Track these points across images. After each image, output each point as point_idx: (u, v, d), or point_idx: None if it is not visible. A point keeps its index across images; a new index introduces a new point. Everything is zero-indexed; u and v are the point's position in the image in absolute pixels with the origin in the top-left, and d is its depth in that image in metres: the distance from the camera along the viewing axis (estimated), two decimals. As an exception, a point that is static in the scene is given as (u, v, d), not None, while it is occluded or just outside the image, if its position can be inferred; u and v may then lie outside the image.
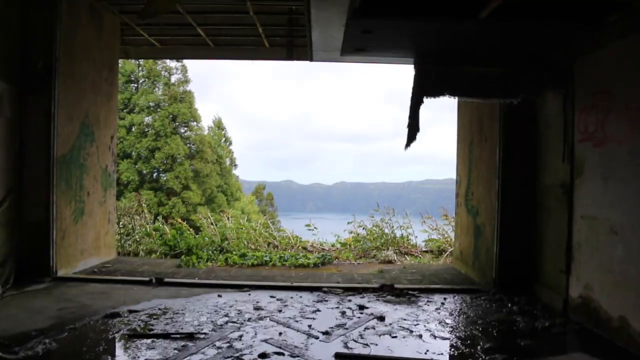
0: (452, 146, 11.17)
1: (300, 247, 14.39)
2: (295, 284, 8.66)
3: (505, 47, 7.37)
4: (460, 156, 10.69)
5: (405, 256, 13.38)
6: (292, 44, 11.84)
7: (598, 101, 6.71)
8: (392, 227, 14.88)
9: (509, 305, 7.67)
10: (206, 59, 13.25)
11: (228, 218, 15.50)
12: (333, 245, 14.90)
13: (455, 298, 8.10)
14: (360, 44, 7.12)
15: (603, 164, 6.59)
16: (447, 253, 13.43)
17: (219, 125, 40.70)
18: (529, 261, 8.33)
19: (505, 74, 7.63)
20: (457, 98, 7.86)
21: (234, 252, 12.50)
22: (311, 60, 8.31)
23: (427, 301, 7.87)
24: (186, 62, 35.72)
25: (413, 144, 7.46)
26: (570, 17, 6.47)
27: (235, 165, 41.13)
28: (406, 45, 7.27)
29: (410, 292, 8.29)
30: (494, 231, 8.59)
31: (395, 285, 8.55)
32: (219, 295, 7.99)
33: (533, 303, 7.72)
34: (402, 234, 14.75)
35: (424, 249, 14.37)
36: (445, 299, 8.04)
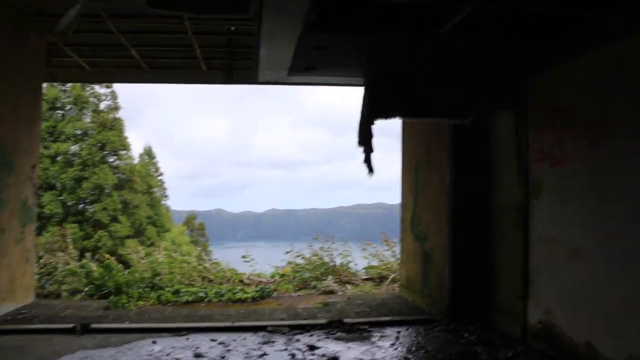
0: (382, 170, 10.69)
1: (236, 280, 13.53)
2: (237, 324, 7.83)
3: (460, 65, 6.97)
4: (406, 180, 10.23)
5: (346, 285, 12.75)
6: (231, 66, 11.13)
7: (555, 120, 6.36)
8: (332, 255, 14.28)
9: (466, 335, 7.16)
10: (140, 82, 12.35)
11: (160, 251, 14.46)
12: (271, 277, 14.14)
13: (409, 330, 7.52)
14: (311, 62, 6.54)
15: (562, 183, 6.21)
16: (389, 280, 12.92)
17: (149, 153, 39.16)
18: (483, 287, 7.87)
19: (458, 94, 7.23)
20: (407, 119, 7.38)
21: (166, 289, 11.52)
22: (256, 81, 7.64)
23: (381, 336, 7.25)
24: (116, 87, 34.22)
25: (374, 170, 6.92)
26: (528, 35, 6.11)
27: (166, 196, 39.67)
28: (359, 63, 6.76)
29: (360, 326, 7.64)
30: (445, 257, 8.11)
31: (344, 320, 7.89)
32: (154, 342, 7.08)
33: (490, 331, 7.24)
34: (341, 262, 14.17)
35: (364, 277, 13.80)
36: (399, 332, 7.43)
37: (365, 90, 7.02)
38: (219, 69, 11.27)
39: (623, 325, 5.25)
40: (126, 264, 14.04)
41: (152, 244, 23.24)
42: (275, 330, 7.52)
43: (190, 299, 10.65)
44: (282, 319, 8.23)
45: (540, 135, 6.67)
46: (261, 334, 7.42)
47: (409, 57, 6.68)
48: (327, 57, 6.35)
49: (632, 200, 5.17)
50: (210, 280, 13.30)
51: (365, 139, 6.93)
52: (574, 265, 5.96)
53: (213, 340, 7.14)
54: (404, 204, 10.37)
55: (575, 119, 6.01)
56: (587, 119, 5.81)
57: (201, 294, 10.96)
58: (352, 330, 7.49)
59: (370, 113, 6.95)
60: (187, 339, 7.28)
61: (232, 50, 10.48)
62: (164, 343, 7.05)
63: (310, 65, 6.65)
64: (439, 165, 8.42)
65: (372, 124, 6.97)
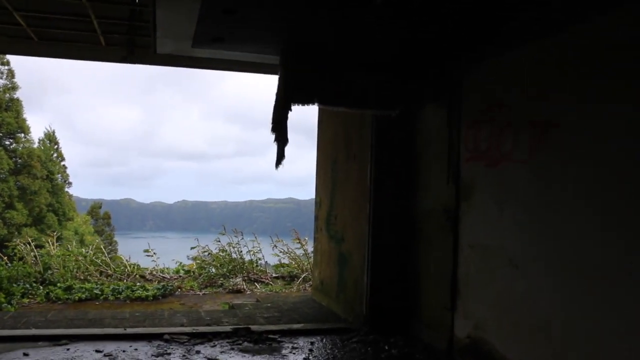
0: (293, 166, 9.80)
1: (137, 275, 12.18)
2: (129, 331, 6.61)
3: (390, 50, 6.10)
4: (321, 176, 9.32)
5: (255, 283, 11.75)
6: (133, 43, 9.75)
7: (492, 116, 5.61)
8: (240, 251, 13.21)
9: (386, 347, 6.33)
10: (28, 54, 10.62)
11: (53, 243, 12.80)
12: (176, 272, 12.90)
13: (324, 341, 6.59)
14: (218, 31, 5.40)
15: (499, 186, 5.47)
16: (300, 279, 12.02)
17: (50, 138, 36.23)
18: (406, 295, 7.07)
19: (385, 81, 6.38)
20: (328, 106, 6.45)
21: (58, 285, 10.10)
22: (155, 51, 6.45)
23: (292, 347, 6.28)
24: (15, 67, 31.24)
25: (284, 162, 5.94)
26: (464, 25, 5.32)
27: (69, 183, 36.92)
28: (274, 37, 5.72)
29: (270, 335, 6.64)
30: (364, 260, 7.25)
31: (252, 328, 6.87)
32: (25, 354, 5.77)
33: (413, 344, 6.45)
34: (251, 259, 13.13)
35: (274, 275, 12.83)
36: (312, 343, 6.49)
37: (282, 70, 6.03)
38: (120, 45, 9.90)
39: (564, 345, 4.56)
40: (16, 258, 12.36)
41: (54, 233, 21.18)
42: (172, 339, 6.39)
43: (83, 296, 9.41)
44: (182, 325, 7.11)
45: (474, 133, 5.92)
46: (156, 343, 6.27)
47: (333, 33, 5.71)
48: (238, 26, 5.26)
49: (577, 207, 4.47)
50: (108, 276, 11.91)
51: (279, 125, 5.96)
52: (510, 276, 5.23)
53: (98, 351, 5.96)
54: (318, 201, 9.45)
55: (515, 116, 5.27)
56: (529, 117, 5.08)
57: (96, 291, 9.74)
58: (261, 340, 6.47)
59: (287, 97, 5.98)
60: (67, 349, 6.05)
61: (135, 24, 9.14)
62: (38, 355, 5.80)
63: (217, 36, 5.52)
64: (360, 160, 7.56)
65: (289, 109, 6.00)
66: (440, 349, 6.18)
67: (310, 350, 6.21)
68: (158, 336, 6.43)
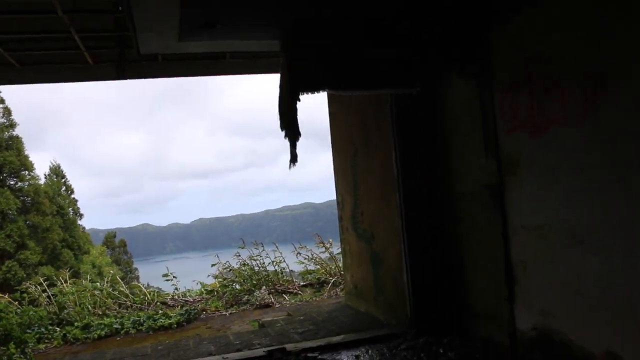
0: (305, 170, 9.11)
1: (158, 302, 11.54)
2: (151, 370, 5.98)
3: (401, 18, 5.41)
4: (340, 173, 8.62)
5: (284, 295, 11.08)
6: (124, 57, 9.14)
7: (532, 76, 4.90)
8: (263, 263, 12.54)
9: (441, 350, 5.65)
10: (13, 83, 10.06)
11: (66, 280, 12.18)
12: (198, 294, 12.26)
13: (370, 353, 5.90)
14: (208, 13, 4.70)
15: (549, 155, 4.76)
16: (330, 285, 11.34)
17: (56, 172, 35.76)
18: (453, 289, 6.37)
19: (402, 56, 5.68)
20: (340, 92, 5.76)
21: (75, 324, 9.48)
22: (138, 52, 5.74)
23: (336, 365, 5.62)
24: (9, 103, 30.69)
25: (297, 160, 5.25)
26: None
27: (81, 215, 36.42)
28: (272, 16, 5.03)
29: (309, 354, 5.97)
30: (401, 257, 6.55)
31: (287, 348, 6.20)
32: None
33: (470, 343, 5.76)
34: (275, 270, 12.46)
35: (302, 283, 12.15)
36: (357, 357, 5.81)
37: (285, 56, 5.34)
38: (110, 61, 9.26)
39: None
40: (31, 301, 11.75)
41: (70, 269, 20.59)
42: (201, 373, 5.75)
43: (103, 333, 8.76)
44: (210, 354, 6.46)
45: (511, 99, 5.21)
46: (183, 380, 5.62)
47: (336, 6, 5.03)
48: (229, 4, 4.57)
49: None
50: (128, 307, 11.28)
51: (288, 120, 5.27)
52: (578, 255, 4.53)
53: (119, 399, 5.32)
54: (340, 200, 8.76)
55: (561, 73, 4.58)
56: (579, 71, 4.38)
57: (116, 326, 9.08)
58: (299, 361, 5.81)
59: (293, 85, 5.29)
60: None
61: (122, 35, 8.52)
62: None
63: (207, 21, 4.82)
64: (382, 149, 6.87)
65: (297, 99, 5.31)
66: (502, 345, 5.48)
67: (357, 365, 5.53)
68: (185, 371, 5.77)
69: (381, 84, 5.70)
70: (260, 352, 6.18)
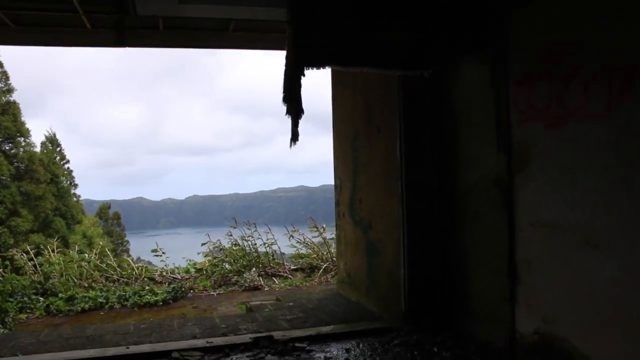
0: (302, 153, 8.77)
1: (146, 278, 11.24)
2: (131, 350, 5.62)
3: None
4: (340, 156, 8.27)
5: (273, 278, 10.81)
6: (122, 23, 8.73)
7: (552, 65, 4.55)
8: (255, 244, 12.24)
9: (435, 349, 5.34)
10: (7, 44, 9.67)
11: (53, 250, 11.83)
12: (187, 272, 11.96)
13: (361, 347, 5.59)
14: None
15: (567, 150, 4.42)
16: (321, 270, 11.06)
17: (52, 140, 35.19)
18: (451, 286, 6.05)
19: (415, 35, 5.32)
20: (348, 68, 5.40)
21: (60, 295, 9.18)
22: (135, 13, 5.35)
23: (325, 358, 5.29)
24: (10, 71, 30.09)
25: (298, 138, 4.90)
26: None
27: (75, 185, 35.97)
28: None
29: (297, 344, 5.65)
30: (399, 249, 6.23)
31: (275, 336, 5.88)
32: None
33: (465, 343, 5.45)
34: (266, 251, 12.16)
35: (292, 267, 11.86)
36: (347, 350, 5.49)
37: (291, 27, 4.97)
38: (108, 28, 8.85)
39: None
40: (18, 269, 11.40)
41: (60, 238, 20.22)
42: (183, 357, 5.41)
43: (87, 306, 8.53)
44: (195, 336, 6.14)
45: (527, 89, 4.85)
46: (163, 364, 5.31)
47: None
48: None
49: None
50: (115, 281, 10.98)
51: (292, 94, 4.91)
52: (590, 260, 4.21)
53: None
54: (339, 184, 8.42)
55: (586, 62, 4.23)
56: (606, 60, 4.04)
57: (101, 300, 8.85)
58: (286, 350, 5.48)
59: (298, 60, 4.92)
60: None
61: (123, 1, 8.11)
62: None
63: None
64: (386, 133, 6.52)
65: (301, 74, 4.95)
66: (499, 348, 5.18)
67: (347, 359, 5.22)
68: (165, 354, 5.45)
69: (392, 63, 5.34)
70: (246, 338, 5.86)
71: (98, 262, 11.53)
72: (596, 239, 4.14)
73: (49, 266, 10.70)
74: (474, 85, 5.67)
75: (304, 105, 4.95)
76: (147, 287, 9.91)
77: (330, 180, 8.93)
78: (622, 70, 3.89)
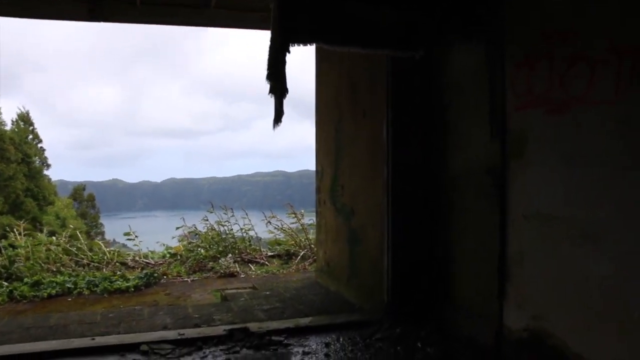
0: (280, 137, 8.41)
1: (118, 263, 10.79)
2: (97, 342, 5.22)
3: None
4: (322, 140, 7.91)
5: (249, 265, 10.46)
6: (98, -7, 8.23)
7: (554, 46, 4.24)
8: (231, 229, 11.86)
9: (419, 345, 5.06)
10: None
11: (20, 232, 11.30)
12: (161, 257, 11.55)
13: (342, 341, 5.27)
14: None
15: (567, 137, 4.13)
16: (299, 258, 10.72)
17: (24, 119, 34.13)
18: (437, 278, 5.76)
19: (407, 14, 4.97)
20: (335, 47, 5.03)
21: (25, 280, 8.71)
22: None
23: (304, 353, 4.96)
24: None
25: (282, 118, 4.53)
26: None
27: (48, 165, 35.05)
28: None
29: (274, 337, 5.31)
30: (384, 238, 5.92)
31: (251, 328, 5.54)
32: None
33: (451, 338, 5.18)
34: (242, 237, 11.79)
35: (269, 254, 11.52)
36: (327, 345, 5.17)
37: (276, 1, 4.59)
38: (82, 0, 8.35)
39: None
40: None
41: (28, 220, 19.58)
42: (152, 350, 5.03)
43: (53, 292, 8.06)
44: (165, 327, 5.78)
45: (526, 72, 4.54)
46: (131, 358, 4.93)
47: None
48: None
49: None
50: (85, 265, 10.51)
51: (275, 72, 4.55)
52: (586, 255, 3.94)
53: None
54: (320, 170, 8.07)
55: (592, 43, 3.93)
56: (615, 41, 3.74)
57: (69, 285, 8.40)
58: (263, 344, 5.14)
59: (283, 36, 4.56)
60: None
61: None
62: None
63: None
64: (373, 117, 6.18)
65: (286, 51, 4.59)
66: (486, 344, 4.91)
67: (327, 355, 4.90)
68: (133, 347, 5.06)
69: (381, 42, 4.99)
70: (220, 330, 5.51)
71: (68, 245, 11.04)
72: (595, 233, 3.87)
73: (14, 249, 10.20)
74: (467, 67, 5.35)
75: (288, 85, 4.60)
76: (118, 273, 9.48)
77: (309, 166, 8.64)
78: (633, 53, 3.59)
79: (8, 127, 30.91)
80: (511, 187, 4.71)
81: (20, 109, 34.79)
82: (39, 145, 34.59)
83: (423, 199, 5.83)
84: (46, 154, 35.60)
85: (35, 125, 34.71)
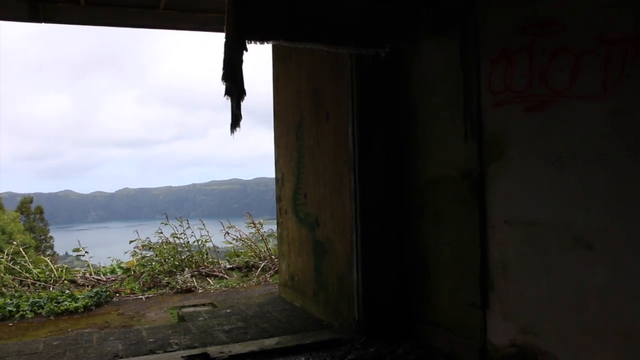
0: (235, 145, 7.94)
1: (66, 280, 10.08)
2: (35, 378, 4.65)
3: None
4: (281, 145, 7.44)
5: (208, 279, 9.91)
6: (38, -8, 7.61)
7: (534, 39, 3.91)
8: (187, 242, 11.27)
9: (395, 365, 4.64)
10: None
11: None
12: (113, 272, 10.89)
13: (312, 364, 4.83)
14: None
15: (550, 135, 3.80)
16: (259, 270, 10.23)
17: (-34, 131, 32.54)
18: (411, 290, 5.37)
19: (372, 8, 4.57)
20: (296, 44, 4.59)
21: (-37, 303, 7.97)
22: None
23: (271, 380, 4.51)
24: None
25: (240, 123, 4.06)
26: None
27: (-7, 178, 33.45)
28: None
29: (238, 363, 4.83)
30: (352, 249, 5.49)
31: (211, 353, 5.02)
32: None
33: (430, 357, 4.77)
34: (199, 249, 11.23)
35: (228, 266, 10.99)
36: (296, 369, 4.73)
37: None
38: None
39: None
40: None
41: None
42: (100, 385, 4.49)
43: (-8, 316, 7.34)
44: (116, 355, 5.21)
45: (503, 67, 4.21)
46: (75, 396, 4.36)
47: None
48: None
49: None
50: (31, 285, 9.77)
51: (231, 71, 4.07)
52: (579, 261, 3.61)
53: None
54: (280, 177, 7.60)
55: (576, 34, 3.61)
56: (603, 29, 3.42)
57: (10, 308, 7.73)
58: (225, 372, 4.66)
59: (239, 32, 4.10)
60: None
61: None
62: None
63: None
64: (336, 119, 5.77)
65: (243, 49, 4.12)
66: (469, 361, 4.54)
67: (297, 381, 4.44)
68: (78, 383, 4.49)
69: (345, 39, 4.57)
70: (177, 356, 4.98)
71: (11, 263, 10.27)
72: (588, 240, 3.54)
73: (-50, 270, 9.41)
74: (438, 64, 4.98)
75: (245, 87, 4.14)
76: (66, 292, 8.79)
77: (265, 173, 8.20)
78: (622, 42, 3.27)
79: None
80: (490, 191, 4.37)
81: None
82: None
83: (394, 207, 5.44)
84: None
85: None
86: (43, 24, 8.08)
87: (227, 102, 4.12)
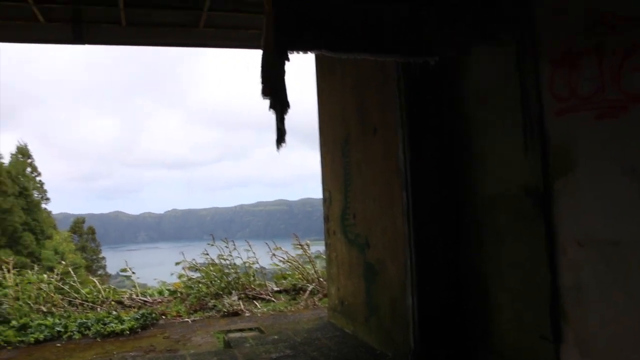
0: (280, 165, 7.69)
1: (113, 301, 10.03)
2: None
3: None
4: (328, 163, 7.18)
5: (254, 301, 9.68)
6: (79, 15, 7.68)
7: (602, 40, 3.54)
8: (234, 264, 11.08)
9: (456, 401, 4.26)
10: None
11: (9, 269, 10.53)
12: (161, 293, 10.81)
13: (365, 398, 4.50)
14: None
15: (627, 144, 3.41)
16: (307, 293, 9.94)
17: (23, 152, 33.49)
18: (471, 318, 4.98)
19: (421, 15, 4.28)
20: (340, 54, 4.33)
21: (12, 323, 7.98)
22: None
23: (321, 417, 4.19)
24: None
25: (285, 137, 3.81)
26: None
27: (47, 199, 34.33)
28: None
29: (286, 396, 4.54)
30: (405, 272, 5.15)
31: (259, 384, 4.76)
32: None
33: (493, 392, 4.38)
34: (246, 271, 11.03)
35: (275, 289, 10.74)
36: (348, 404, 4.41)
37: (273, 2, 3.90)
38: (64, 21, 7.78)
39: None
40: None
41: (29, 255, 18.87)
42: (141, 419, 4.28)
43: (42, 336, 7.36)
44: (159, 385, 5.01)
45: (568, 70, 3.85)
46: None
47: None
48: None
49: None
50: (79, 305, 9.76)
51: (272, 84, 3.83)
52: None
53: None
54: (328, 197, 7.32)
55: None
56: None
57: (59, 329, 7.70)
58: (272, 406, 4.37)
59: (281, 41, 3.86)
60: None
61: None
62: None
63: None
64: (385, 133, 5.47)
65: (285, 59, 3.88)
66: (538, 397, 4.12)
67: (349, 418, 4.11)
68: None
69: (391, 48, 4.27)
70: (222, 389, 4.74)
71: (60, 283, 10.30)
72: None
73: (2, 289, 9.46)
74: (492, 72, 4.64)
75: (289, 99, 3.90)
76: (113, 313, 8.73)
77: (310, 194, 7.94)
78: None
79: (6, 160, 30.35)
80: (557, 208, 3.97)
81: (19, 142, 34.35)
82: (38, 178, 33.96)
83: (450, 227, 5.08)
84: (48, 186, 35.20)
85: (34, 158, 34.16)
86: (87, 46, 8.20)
87: (269, 122, 3.92)
